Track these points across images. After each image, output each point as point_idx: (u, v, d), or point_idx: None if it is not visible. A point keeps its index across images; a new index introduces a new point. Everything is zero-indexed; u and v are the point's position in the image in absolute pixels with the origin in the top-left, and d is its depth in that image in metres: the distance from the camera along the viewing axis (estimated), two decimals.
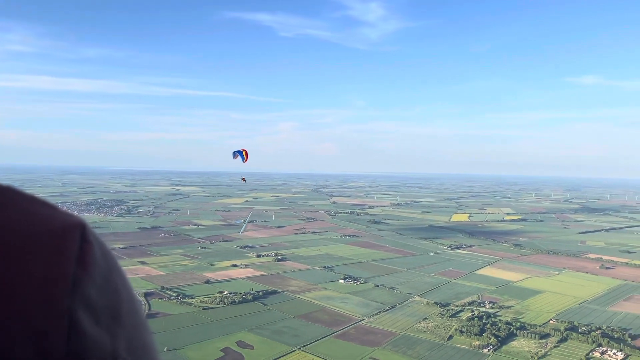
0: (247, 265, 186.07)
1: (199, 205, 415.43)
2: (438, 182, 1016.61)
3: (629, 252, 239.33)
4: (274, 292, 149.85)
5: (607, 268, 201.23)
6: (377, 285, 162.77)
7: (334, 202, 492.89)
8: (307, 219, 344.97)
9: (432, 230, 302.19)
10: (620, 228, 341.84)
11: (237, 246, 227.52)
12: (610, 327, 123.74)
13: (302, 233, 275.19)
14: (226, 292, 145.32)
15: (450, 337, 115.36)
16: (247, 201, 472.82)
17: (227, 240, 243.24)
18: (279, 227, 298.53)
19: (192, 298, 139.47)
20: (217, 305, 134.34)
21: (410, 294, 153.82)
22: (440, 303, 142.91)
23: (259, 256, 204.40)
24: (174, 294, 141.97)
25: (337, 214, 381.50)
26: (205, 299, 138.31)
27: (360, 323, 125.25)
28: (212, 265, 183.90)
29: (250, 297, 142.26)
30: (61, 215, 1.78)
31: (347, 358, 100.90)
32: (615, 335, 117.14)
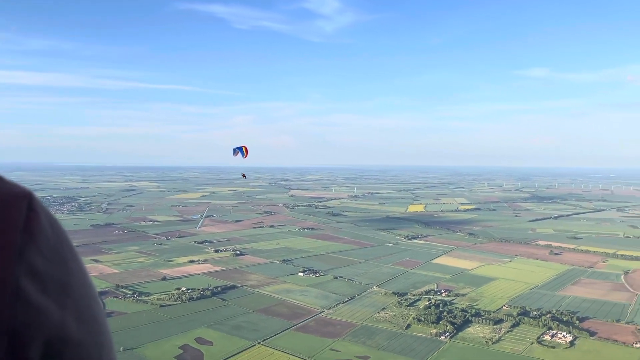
0: (204, 261, 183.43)
1: (154, 200, 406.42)
2: (394, 173, 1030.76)
3: (575, 238, 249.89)
4: (233, 287, 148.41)
5: (555, 254, 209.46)
6: (336, 277, 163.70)
7: (292, 195, 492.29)
8: (266, 212, 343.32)
9: (389, 221, 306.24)
10: (568, 215, 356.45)
11: (194, 242, 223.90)
12: (559, 310, 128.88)
13: (261, 227, 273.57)
14: (184, 289, 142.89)
15: (409, 326, 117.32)
16: (203, 196, 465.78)
17: (183, 236, 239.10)
18: (237, 221, 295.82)
19: (148, 296, 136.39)
20: (175, 302, 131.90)
21: (368, 284, 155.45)
22: (398, 293, 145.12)
23: (216, 251, 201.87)
24: (130, 292, 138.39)
25: (295, 207, 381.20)
26: (162, 296, 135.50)
27: (320, 315, 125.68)
28: (168, 261, 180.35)
29: (208, 293, 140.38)
30: (7, 185, 1.74)
31: (307, 350, 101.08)
32: (564, 319, 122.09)
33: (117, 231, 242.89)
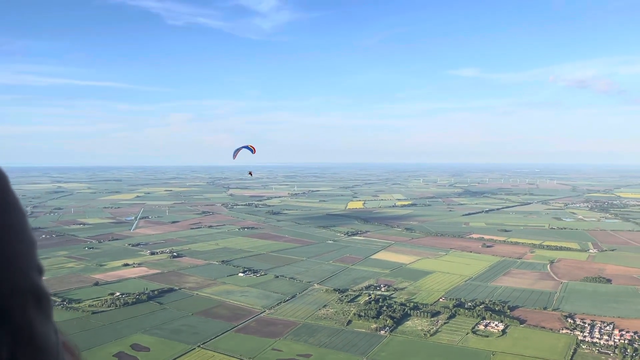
0: (140, 264, 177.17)
1: (84, 202, 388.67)
2: (333, 171, 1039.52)
3: (505, 231, 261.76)
4: (171, 290, 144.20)
5: (488, 246, 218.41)
6: (277, 276, 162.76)
7: (231, 195, 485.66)
8: (203, 212, 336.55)
9: (330, 219, 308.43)
10: (498, 209, 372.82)
11: (129, 244, 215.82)
12: (492, 301, 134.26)
13: (199, 227, 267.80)
14: (118, 294, 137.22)
15: (350, 322, 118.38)
16: (138, 196, 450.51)
17: (117, 239, 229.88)
18: (174, 222, 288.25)
19: (79, 302, 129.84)
20: (109, 308, 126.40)
21: (310, 282, 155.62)
22: (339, 289, 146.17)
23: (152, 254, 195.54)
24: (58, 300, 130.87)
25: (234, 207, 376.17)
26: (94, 302, 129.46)
27: (261, 315, 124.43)
28: (101, 265, 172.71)
29: (144, 297, 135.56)
30: None
31: (249, 351, 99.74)
32: (497, 308, 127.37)
33: (43, 235, 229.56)
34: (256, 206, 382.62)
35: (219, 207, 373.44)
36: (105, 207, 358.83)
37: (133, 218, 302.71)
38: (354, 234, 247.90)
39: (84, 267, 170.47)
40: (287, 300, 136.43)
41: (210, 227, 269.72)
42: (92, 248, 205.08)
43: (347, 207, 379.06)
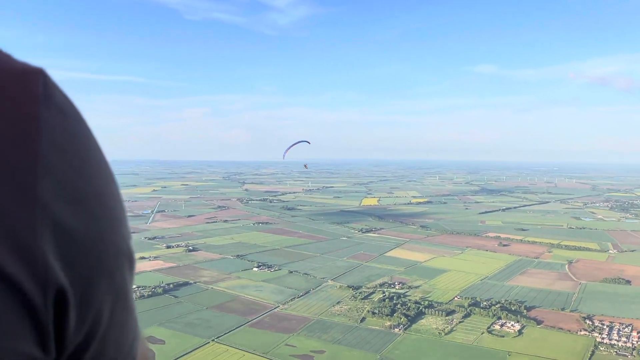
0: (156, 257, 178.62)
1: None
2: (348, 167, 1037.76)
3: (522, 230, 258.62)
4: (186, 284, 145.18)
5: (504, 245, 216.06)
6: (291, 272, 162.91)
7: (246, 190, 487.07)
8: (219, 207, 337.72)
9: (344, 215, 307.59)
10: (515, 207, 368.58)
11: (145, 237, 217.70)
12: (508, 300, 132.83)
13: (214, 222, 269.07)
14: (134, 287, 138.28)
15: (363, 319, 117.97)
16: (154, 190, 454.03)
17: (134, 232, 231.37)
18: (190, 216, 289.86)
19: None
20: None
21: (323, 278, 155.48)
22: (353, 286, 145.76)
23: (168, 247, 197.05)
24: None
25: (249, 202, 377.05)
26: None
27: (275, 310, 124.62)
28: None
29: (160, 290, 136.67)
30: (19, 61, 1.64)
31: (262, 346, 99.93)
32: (513, 308, 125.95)
33: None
34: (271, 201, 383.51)
35: (234, 202, 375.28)
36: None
37: (150, 211, 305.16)
38: (368, 231, 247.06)
39: None
40: (301, 296, 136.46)
41: (225, 221, 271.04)
42: None
43: (362, 204, 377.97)
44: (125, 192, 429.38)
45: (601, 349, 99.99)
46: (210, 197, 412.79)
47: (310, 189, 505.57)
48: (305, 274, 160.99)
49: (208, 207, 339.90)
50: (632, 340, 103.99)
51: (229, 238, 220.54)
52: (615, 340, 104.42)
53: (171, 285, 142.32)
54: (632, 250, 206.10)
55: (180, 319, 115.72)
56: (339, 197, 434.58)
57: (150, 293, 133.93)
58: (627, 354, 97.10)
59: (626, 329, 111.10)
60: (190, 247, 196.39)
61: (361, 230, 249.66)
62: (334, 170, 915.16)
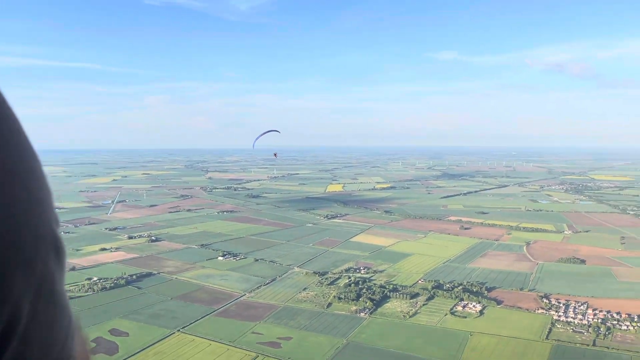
0: (117, 249, 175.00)
1: (60, 186, 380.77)
2: (313, 154, 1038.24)
3: (483, 213, 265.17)
4: (149, 275, 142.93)
5: (465, 229, 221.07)
6: (257, 260, 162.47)
7: (210, 178, 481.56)
8: (182, 196, 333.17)
9: (309, 202, 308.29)
10: (476, 191, 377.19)
11: (106, 228, 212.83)
12: (470, 282, 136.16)
13: (177, 211, 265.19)
14: (95, 279, 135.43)
15: (330, 304, 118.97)
16: (114, 180, 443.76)
17: (94, 223, 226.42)
18: (152, 206, 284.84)
19: None
20: (86, 293, 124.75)
21: (290, 265, 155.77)
22: (319, 272, 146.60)
23: (130, 238, 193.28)
24: None
25: (213, 190, 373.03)
26: (71, 288, 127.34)
27: (241, 299, 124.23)
28: (78, 250, 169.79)
29: (122, 282, 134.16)
30: None
31: (229, 335, 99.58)
32: (474, 289, 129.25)
33: None
34: (235, 189, 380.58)
35: (198, 191, 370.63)
36: (81, 191, 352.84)
37: (110, 202, 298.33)
38: (333, 217, 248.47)
39: None
40: (267, 284, 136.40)
41: (189, 210, 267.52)
42: (69, 232, 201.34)
43: (327, 190, 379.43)
44: (84, 182, 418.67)
45: (558, 326, 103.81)
46: (173, 186, 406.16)
47: (275, 177, 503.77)
48: (272, 261, 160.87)
49: (171, 197, 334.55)
50: (588, 317, 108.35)
51: (192, 227, 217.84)
52: (572, 317, 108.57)
53: (134, 277, 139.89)
54: (587, 231, 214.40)
55: (144, 310, 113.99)
56: (304, 184, 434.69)
57: (112, 285, 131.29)
58: (583, 331, 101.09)
59: (582, 307, 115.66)
60: (153, 237, 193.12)
61: (327, 216, 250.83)
62: (299, 157, 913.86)
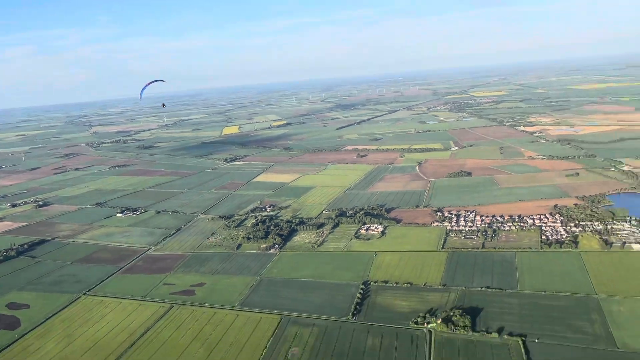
0: (1, 219, 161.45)
1: None
2: (204, 97, 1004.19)
3: (377, 139, 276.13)
4: (43, 242, 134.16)
5: (362, 156, 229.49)
6: (159, 212, 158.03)
7: (95, 133, 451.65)
8: (66, 155, 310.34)
9: (206, 147, 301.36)
10: (368, 119, 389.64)
11: None
12: (370, 206, 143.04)
13: (64, 172, 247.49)
14: None
15: (239, 245, 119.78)
16: None
17: None
18: (33, 169, 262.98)
19: None
20: None
21: (194, 213, 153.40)
22: (225, 216, 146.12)
23: (14, 206, 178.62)
24: None
25: (100, 145, 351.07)
26: None
27: (147, 253, 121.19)
28: None
29: (13, 253, 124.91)
30: None
31: (139, 290, 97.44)
32: (375, 212, 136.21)
33: None
34: (125, 142, 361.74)
35: (84, 148, 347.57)
36: None
37: None
38: (233, 160, 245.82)
39: None
40: (173, 235, 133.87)
41: (77, 169, 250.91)
42: None
43: (223, 134, 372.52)
44: None
45: (452, 235, 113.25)
46: (54, 145, 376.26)
47: (166, 124, 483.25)
48: (174, 211, 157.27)
49: (53, 157, 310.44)
50: (477, 224, 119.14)
51: (83, 187, 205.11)
52: (463, 226, 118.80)
53: (25, 246, 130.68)
54: (470, 145, 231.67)
55: (42, 279, 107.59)
56: (198, 129, 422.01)
57: (1, 258, 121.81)
58: (473, 236, 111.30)
59: (471, 215, 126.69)
60: (41, 202, 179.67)
61: (226, 160, 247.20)
62: (189, 102, 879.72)
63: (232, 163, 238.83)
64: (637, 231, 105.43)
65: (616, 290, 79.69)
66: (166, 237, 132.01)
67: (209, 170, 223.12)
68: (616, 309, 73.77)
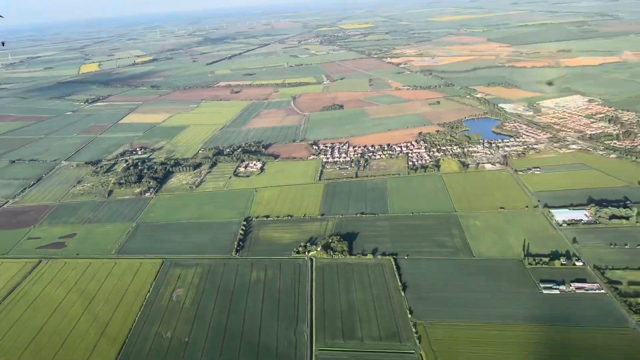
0: None
1: None
2: (55, 31, 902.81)
3: (250, 75, 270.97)
4: None
5: (236, 92, 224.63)
6: (14, 161, 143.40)
7: None
8: None
9: (62, 87, 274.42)
10: (240, 54, 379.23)
11: None
12: (247, 143, 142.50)
13: None
14: None
15: (111, 192, 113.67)
16: None
17: None
18: None
19: None
20: None
21: (55, 160, 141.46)
22: (92, 162, 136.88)
23: None
24: None
25: None
26: None
27: (5, 206, 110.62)
28: None
29: None
30: None
31: (1, 248, 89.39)
32: (253, 149, 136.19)
33: None
34: None
35: None
36: None
37: None
38: (95, 101, 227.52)
39: None
40: (33, 185, 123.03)
41: None
42: None
43: (81, 72, 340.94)
44: None
45: (327, 167, 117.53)
46: None
47: (11, 63, 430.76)
48: (32, 160, 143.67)
49: None
50: (350, 155, 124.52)
51: None
52: (337, 157, 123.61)
53: None
54: (342, 78, 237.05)
55: None
56: (50, 67, 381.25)
57: None
58: (347, 166, 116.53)
59: (344, 147, 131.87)
60: None
61: (87, 101, 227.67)
62: (37, 37, 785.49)
63: (95, 104, 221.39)
64: (489, 152, 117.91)
65: (472, 206, 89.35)
66: (25, 188, 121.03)
67: (69, 113, 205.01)
68: (472, 223, 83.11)
